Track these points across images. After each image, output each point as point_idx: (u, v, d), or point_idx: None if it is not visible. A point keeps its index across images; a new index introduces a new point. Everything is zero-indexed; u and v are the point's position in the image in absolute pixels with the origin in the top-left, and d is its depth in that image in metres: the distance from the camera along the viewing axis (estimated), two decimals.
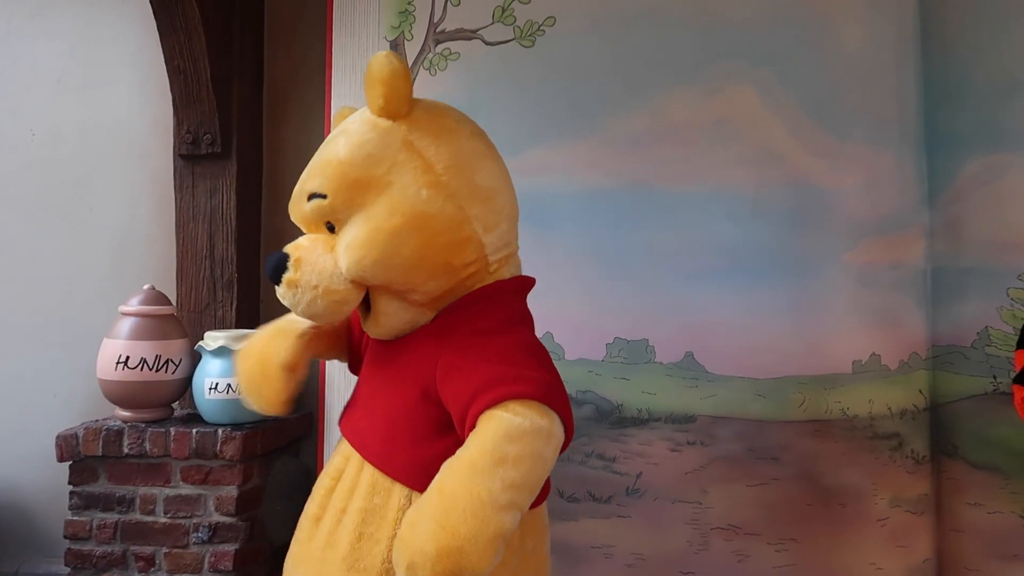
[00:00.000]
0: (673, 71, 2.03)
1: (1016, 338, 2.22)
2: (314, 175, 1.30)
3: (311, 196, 1.29)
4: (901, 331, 2.15)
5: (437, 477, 1.13)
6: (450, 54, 2.14)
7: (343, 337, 1.53)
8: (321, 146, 1.36)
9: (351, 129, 1.30)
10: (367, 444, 1.31)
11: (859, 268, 2.09)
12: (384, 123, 1.27)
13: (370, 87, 1.26)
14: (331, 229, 1.30)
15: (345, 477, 1.32)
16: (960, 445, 2.14)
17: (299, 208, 1.33)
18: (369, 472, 1.29)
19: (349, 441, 1.36)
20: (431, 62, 2.14)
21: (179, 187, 2.31)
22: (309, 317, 1.32)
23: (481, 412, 1.17)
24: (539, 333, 2.10)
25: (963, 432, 2.13)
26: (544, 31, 2.10)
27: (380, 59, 1.24)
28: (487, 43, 2.12)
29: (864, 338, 2.11)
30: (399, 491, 1.26)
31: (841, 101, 2.09)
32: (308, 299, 1.27)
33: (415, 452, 1.27)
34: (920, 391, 2.15)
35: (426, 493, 1.12)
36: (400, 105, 1.27)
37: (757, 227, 2.05)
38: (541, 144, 2.04)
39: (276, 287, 1.30)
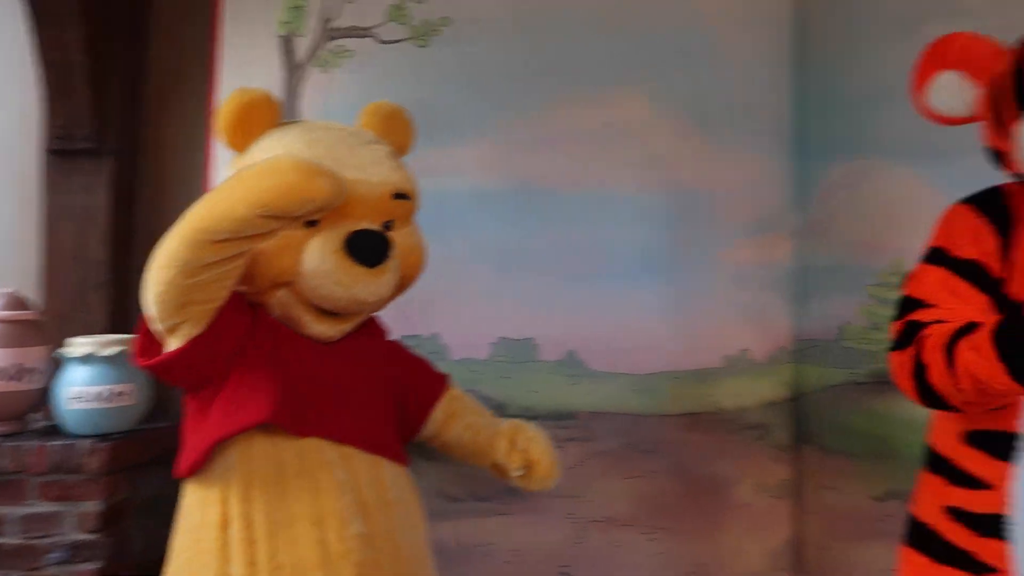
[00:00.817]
0: (564, 77, 2.05)
1: (873, 331, 2.40)
2: (397, 179, 1.49)
3: (400, 195, 1.48)
4: (769, 327, 2.27)
5: (496, 426, 1.62)
6: (343, 51, 2.08)
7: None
8: (353, 148, 1.47)
9: (394, 155, 1.55)
10: (373, 440, 1.47)
11: (732, 267, 2.20)
12: None
13: (408, 136, 1.61)
14: (388, 228, 1.47)
15: (360, 486, 1.41)
16: (818, 432, 2.29)
17: (380, 200, 1.44)
18: (384, 468, 1.46)
19: (354, 444, 1.43)
20: (324, 59, 2.08)
21: (47, 184, 2.13)
22: (359, 306, 1.43)
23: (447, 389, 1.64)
24: (427, 334, 2.13)
25: (820, 420, 2.29)
26: (439, 31, 2.07)
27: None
28: (381, 42, 2.08)
29: (735, 334, 2.22)
30: (401, 470, 1.51)
31: (720, 107, 2.17)
32: (389, 286, 1.45)
33: (398, 436, 1.56)
34: (785, 383, 2.29)
35: (527, 432, 1.59)
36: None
37: (640, 229, 2.12)
38: (433, 144, 2.01)
39: (364, 265, 1.37)
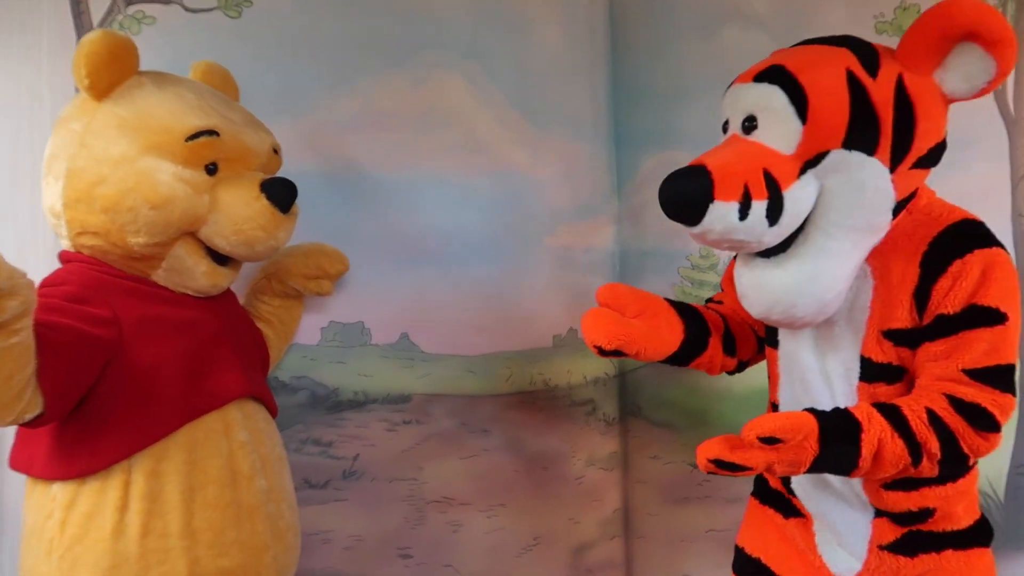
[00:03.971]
0: (382, 57, 2.03)
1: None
2: (271, 135, 1.59)
3: (276, 150, 1.61)
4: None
5: None
6: (144, 17, 1.95)
7: None
8: (227, 102, 1.52)
9: None
10: (264, 393, 1.63)
11: (558, 251, 2.28)
12: None
13: (237, 100, 1.73)
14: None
15: (259, 443, 1.54)
16: (643, 406, 2.42)
17: (267, 154, 1.53)
18: (271, 424, 1.66)
19: (255, 397, 1.58)
20: (122, 24, 1.94)
21: None
22: (272, 252, 1.57)
23: None
24: None
25: (645, 395, 2.42)
26: (251, 3, 1.99)
27: None
28: (187, 9, 1.97)
29: (563, 314, 2.30)
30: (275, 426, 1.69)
31: (542, 96, 2.25)
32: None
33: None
34: (610, 361, 2.40)
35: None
36: None
37: (465, 212, 2.15)
38: None
39: (281, 210, 1.50)
